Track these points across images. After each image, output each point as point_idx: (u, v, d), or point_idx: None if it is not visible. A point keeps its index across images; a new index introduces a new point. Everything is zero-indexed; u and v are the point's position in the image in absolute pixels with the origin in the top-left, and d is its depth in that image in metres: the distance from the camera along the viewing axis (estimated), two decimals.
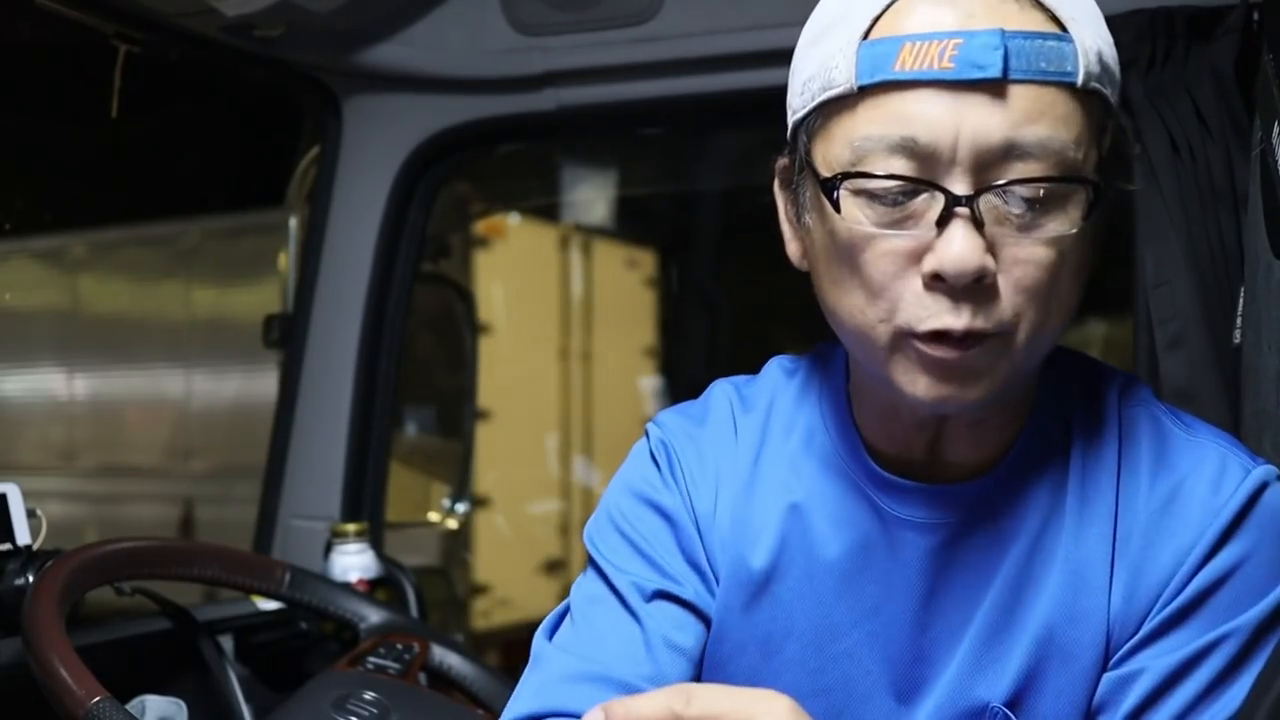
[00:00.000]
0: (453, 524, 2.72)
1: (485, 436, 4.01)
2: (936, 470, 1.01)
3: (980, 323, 0.88)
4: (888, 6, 0.90)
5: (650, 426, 1.12)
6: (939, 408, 0.93)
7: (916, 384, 0.91)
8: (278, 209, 2.33)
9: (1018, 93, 0.87)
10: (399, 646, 1.58)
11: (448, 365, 2.68)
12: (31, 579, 1.34)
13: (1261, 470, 0.95)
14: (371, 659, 1.53)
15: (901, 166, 0.88)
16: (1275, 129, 1.11)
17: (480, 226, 4.48)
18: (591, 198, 4.82)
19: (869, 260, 0.90)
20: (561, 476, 5.13)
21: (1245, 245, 1.30)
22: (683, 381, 5.32)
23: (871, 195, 0.90)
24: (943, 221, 0.87)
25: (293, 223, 2.28)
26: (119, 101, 1.78)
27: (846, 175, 0.90)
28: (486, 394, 3.83)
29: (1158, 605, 0.93)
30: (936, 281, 0.88)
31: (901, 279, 0.89)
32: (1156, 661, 0.92)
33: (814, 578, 1.03)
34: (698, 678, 1.04)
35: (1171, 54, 1.49)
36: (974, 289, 0.87)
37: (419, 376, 2.69)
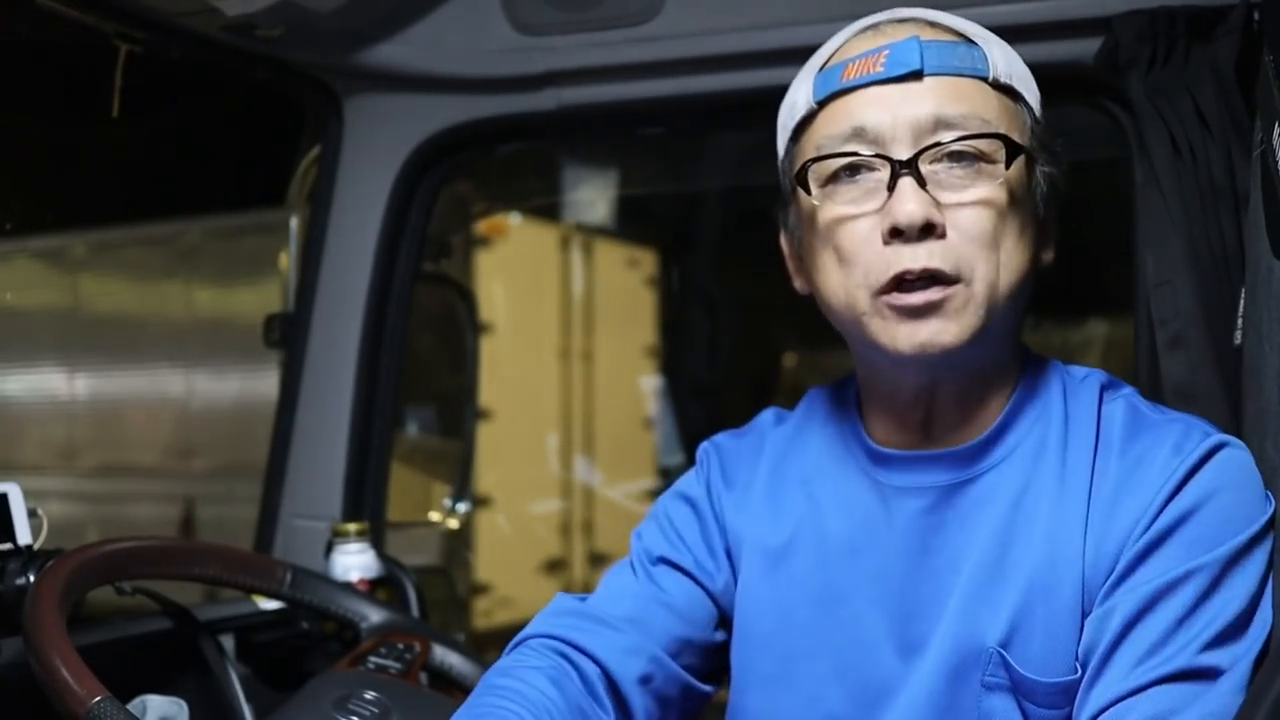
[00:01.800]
0: (454, 523, 2.72)
1: (486, 436, 4.01)
2: (930, 448, 1.16)
3: (936, 263, 1.05)
4: (835, 51, 1.15)
5: (703, 444, 1.35)
6: (921, 357, 1.07)
7: (895, 337, 1.08)
8: (279, 209, 2.33)
9: (939, 82, 1.09)
10: (400, 646, 1.58)
11: (449, 365, 2.68)
12: (32, 578, 1.34)
13: (1220, 437, 1.09)
14: (372, 658, 1.53)
15: (855, 149, 1.09)
16: (1275, 129, 1.11)
17: (481, 226, 4.47)
18: (592, 198, 4.81)
19: (842, 236, 1.10)
20: (562, 476, 5.13)
21: (1246, 246, 1.30)
22: (683, 381, 5.32)
23: (835, 179, 1.11)
24: (892, 185, 1.07)
25: (294, 222, 2.28)
26: (120, 101, 1.78)
27: (812, 160, 1.11)
28: (487, 394, 3.82)
29: (1126, 546, 1.06)
30: (894, 237, 1.06)
31: (868, 245, 1.08)
32: (1130, 594, 1.04)
33: (822, 551, 1.20)
34: (689, 637, 1.24)
35: (1172, 54, 1.49)
36: (926, 238, 1.06)
37: (420, 376, 2.69)
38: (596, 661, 1.18)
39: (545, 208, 4.77)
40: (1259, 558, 1.04)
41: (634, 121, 2.07)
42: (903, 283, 1.06)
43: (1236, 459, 1.08)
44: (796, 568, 1.21)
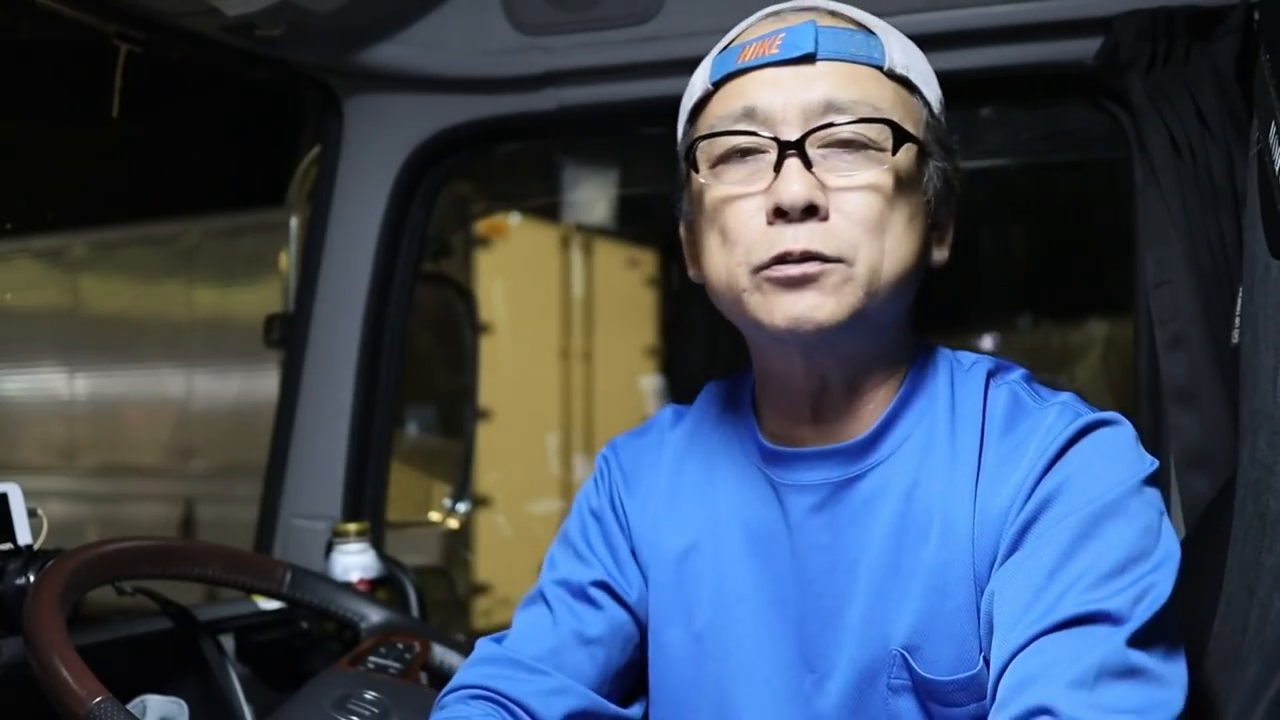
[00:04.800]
0: (454, 524, 2.72)
1: (486, 436, 4.01)
2: (819, 443, 1.16)
3: (817, 245, 1.06)
4: (736, 36, 1.16)
5: (602, 450, 1.33)
6: (796, 331, 1.07)
7: (773, 312, 1.08)
8: (279, 208, 2.33)
9: (833, 67, 1.10)
10: (400, 646, 1.58)
11: (448, 365, 2.68)
12: (32, 578, 1.34)
13: (1095, 415, 1.09)
14: (372, 658, 1.53)
15: (744, 128, 1.10)
16: (1272, 129, 1.11)
17: (481, 226, 4.48)
18: (592, 197, 4.81)
19: (727, 216, 1.10)
20: (562, 476, 5.13)
21: (1244, 245, 1.31)
22: (683, 380, 5.32)
23: (725, 160, 1.12)
24: (778, 166, 1.07)
25: (294, 222, 2.28)
26: (120, 101, 1.78)
27: (702, 138, 1.13)
28: (487, 394, 3.83)
29: (1003, 534, 1.07)
30: (778, 217, 1.06)
31: (752, 225, 1.08)
32: (1003, 569, 1.05)
33: (721, 551, 1.20)
34: (611, 666, 1.24)
35: (1172, 54, 1.49)
36: (809, 219, 1.06)
37: (420, 376, 2.69)
38: (525, 709, 1.18)
39: (545, 208, 4.77)
40: (1135, 509, 1.03)
41: (634, 121, 2.07)
42: (783, 260, 1.06)
43: (1108, 435, 1.08)
44: (698, 569, 1.21)
